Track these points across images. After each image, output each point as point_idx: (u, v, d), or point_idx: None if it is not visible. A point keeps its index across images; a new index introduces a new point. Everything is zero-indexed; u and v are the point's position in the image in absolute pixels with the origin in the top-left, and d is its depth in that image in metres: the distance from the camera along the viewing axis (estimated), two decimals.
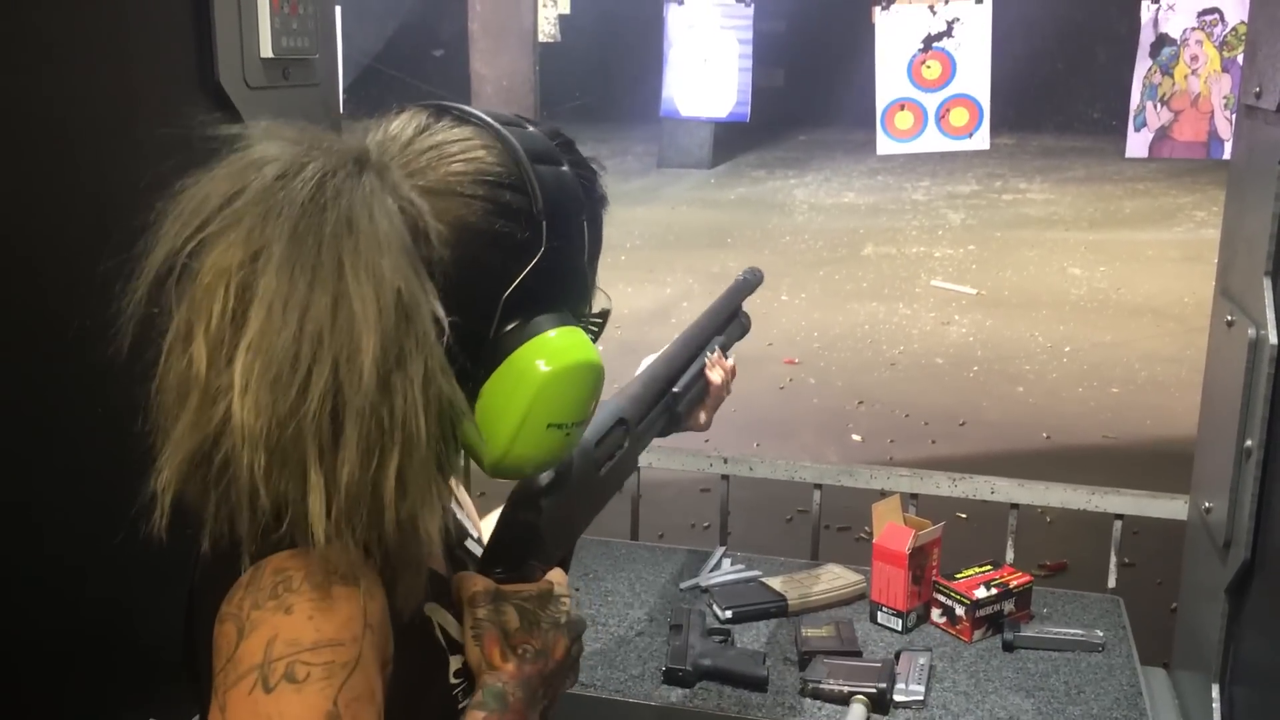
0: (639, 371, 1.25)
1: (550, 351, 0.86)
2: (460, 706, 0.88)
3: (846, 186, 11.36)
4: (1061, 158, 12.26)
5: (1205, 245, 7.74)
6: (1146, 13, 2.79)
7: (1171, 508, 2.11)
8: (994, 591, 1.90)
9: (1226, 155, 2.61)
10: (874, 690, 1.67)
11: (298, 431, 0.74)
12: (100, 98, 1.40)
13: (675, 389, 1.28)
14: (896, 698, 1.69)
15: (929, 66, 2.89)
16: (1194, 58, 2.77)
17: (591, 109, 13.75)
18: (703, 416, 1.34)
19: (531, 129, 0.90)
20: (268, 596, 0.76)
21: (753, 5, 3.12)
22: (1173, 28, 2.78)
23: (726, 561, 2.17)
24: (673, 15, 3.17)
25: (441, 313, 0.80)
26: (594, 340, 0.92)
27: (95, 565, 1.32)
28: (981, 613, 1.88)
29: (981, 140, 2.92)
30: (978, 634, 1.88)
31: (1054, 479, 2.24)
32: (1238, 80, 2.53)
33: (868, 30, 2.95)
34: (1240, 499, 1.60)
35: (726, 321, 1.43)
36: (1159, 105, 2.80)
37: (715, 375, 1.34)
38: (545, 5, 5.31)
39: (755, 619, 1.94)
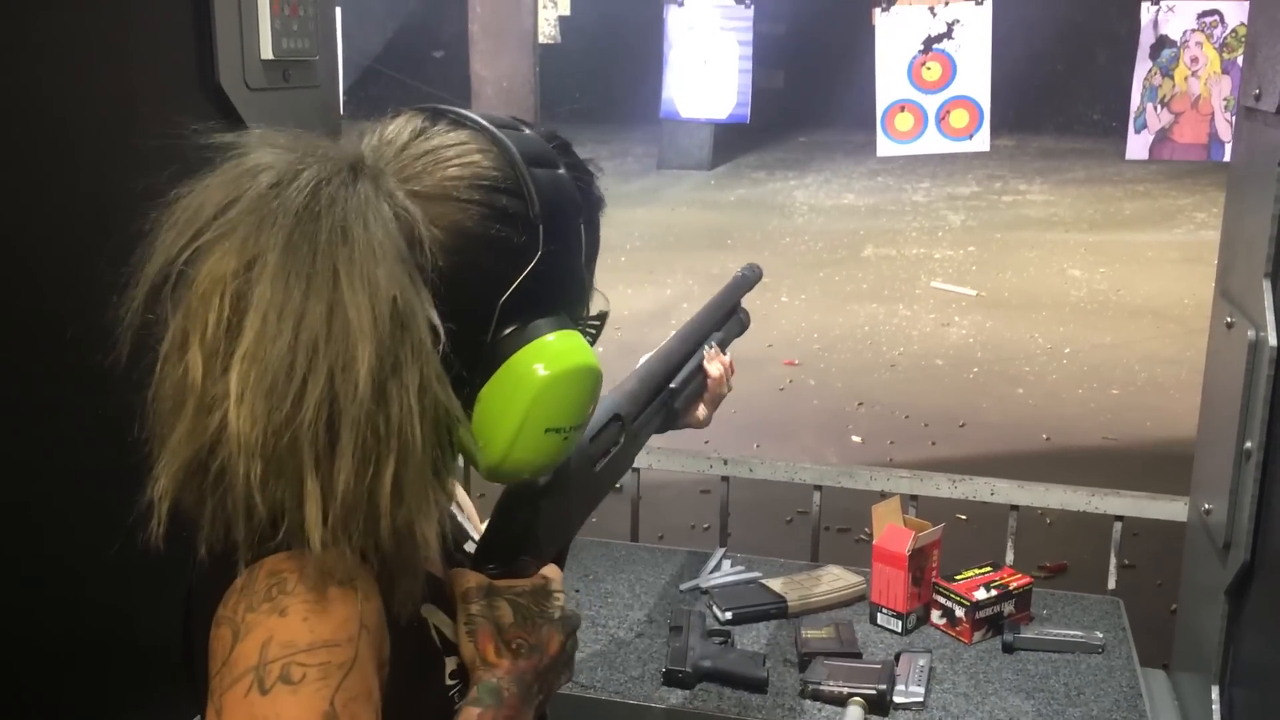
0: (636, 369, 1.25)
1: (548, 356, 0.86)
2: (457, 706, 0.88)
3: (846, 188, 11.36)
4: (1061, 159, 12.26)
5: (1205, 247, 7.74)
6: (1146, 14, 2.79)
7: (1171, 509, 2.11)
8: (994, 593, 1.90)
9: (1226, 157, 2.61)
10: (874, 692, 1.67)
11: (293, 440, 0.74)
12: (100, 99, 1.40)
13: (672, 385, 1.27)
14: (896, 699, 1.69)
15: (929, 68, 2.89)
16: (1194, 59, 2.78)
17: (591, 110, 13.76)
18: (702, 412, 1.33)
19: (528, 132, 0.90)
20: (262, 599, 0.76)
21: (753, 7, 3.12)
22: (1172, 29, 2.78)
23: (726, 563, 2.17)
24: (673, 17, 3.17)
25: (437, 320, 0.80)
26: (591, 343, 0.92)
27: (95, 567, 1.31)
28: (981, 614, 1.88)
29: (982, 142, 2.92)
30: (977, 635, 1.88)
31: (1054, 480, 2.24)
32: (1237, 82, 2.53)
33: (867, 32, 2.95)
34: (1240, 500, 1.60)
35: (725, 318, 1.42)
36: (1159, 107, 2.80)
37: (714, 370, 1.33)
38: (545, 7, 5.31)
39: (755, 620, 1.94)
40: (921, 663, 1.77)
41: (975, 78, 2.88)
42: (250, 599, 0.76)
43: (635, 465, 2.30)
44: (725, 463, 2.33)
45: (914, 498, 2.24)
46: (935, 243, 9.12)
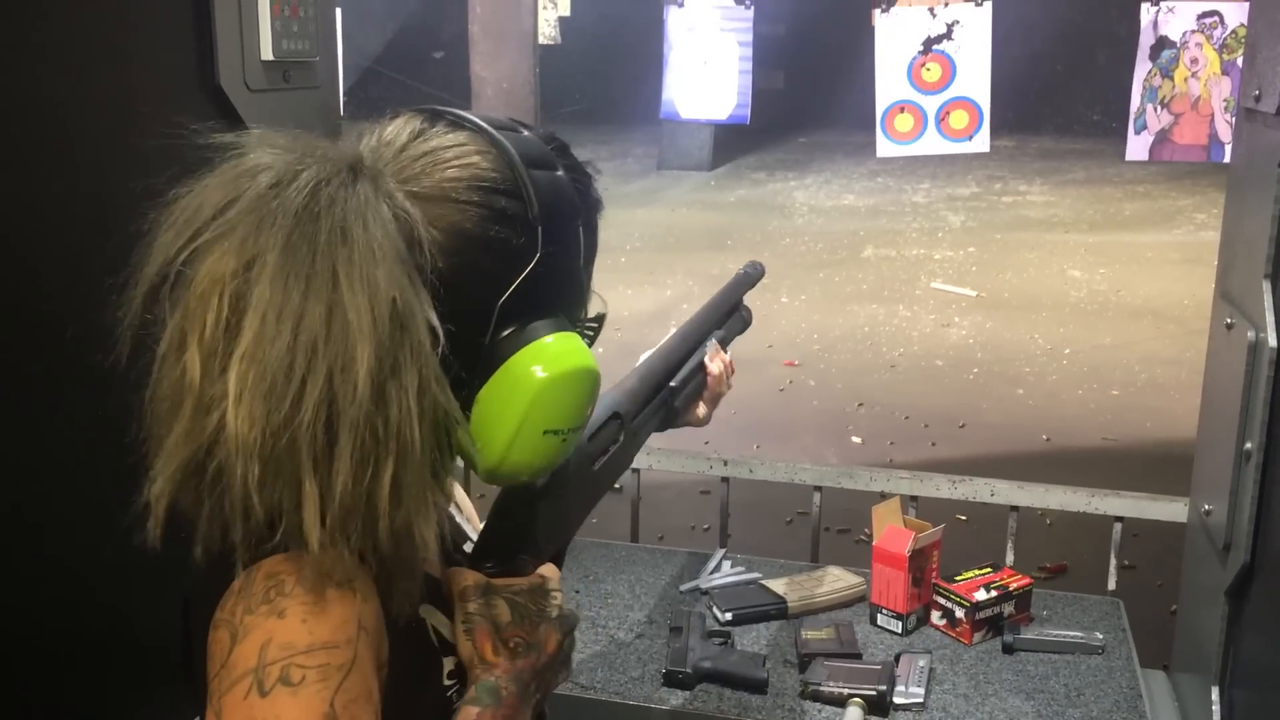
0: (636, 366, 1.24)
1: (546, 357, 0.86)
2: (454, 706, 0.88)
3: (846, 189, 11.36)
4: (1061, 160, 12.27)
5: (1205, 248, 7.75)
6: (1146, 15, 2.78)
7: (1171, 510, 2.11)
8: (994, 594, 1.90)
9: (1226, 158, 2.61)
10: (874, 693, 1.67)
11: (292, 442, 0.73)
12: (101, 100, 1.40)
13: (673, 383, 1.26)
14: (896, 700, 1.69)
15: (929, 69, 2.89)
16: (1194, 60, 2.77)
17: (592, 111, 13.76)
18: (702, 410, 1.32)
19: (526, 133, 0.90)
20: (260, 601, 0.76)
21: (753, 8, 3.11)
22: (1172, 30, 2.78)
23: (726, 564, 2.17)
24: (673, 18, 3.16)
25: (436, 321, 0.80)
26: (589, 345, 0.92)
27: (94, 567, 1.32)
28: (981, 615, 1.88)
29: (981, 143, 2.92)
30: (977, 636, 1.88)
31: (1054, 481, 2.24)
32: (1237, 83, 2.53)
33: (867, 32, 2.95)
34: (1240, 501, 1.60)
35: (726, 315, 1.41)
36: (1159, 108, 2.80)
37: (714, 368, 1.32)
38: (545, 8, 5.31)
39: (755, 621, 1.94)
40: (921, 664, 1.77)
41: (975, 79, 2.88)
42: (248, 601, 0.76)
43: (635, 466, 2.30)
44: (725, 463, 2.33)
45: (914, 498, 2.24)
46: (935, 243, 9.12)
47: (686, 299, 7.28)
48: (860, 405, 5.51)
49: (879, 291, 7.71)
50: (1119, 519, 2.18)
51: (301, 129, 0.84)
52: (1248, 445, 1.58)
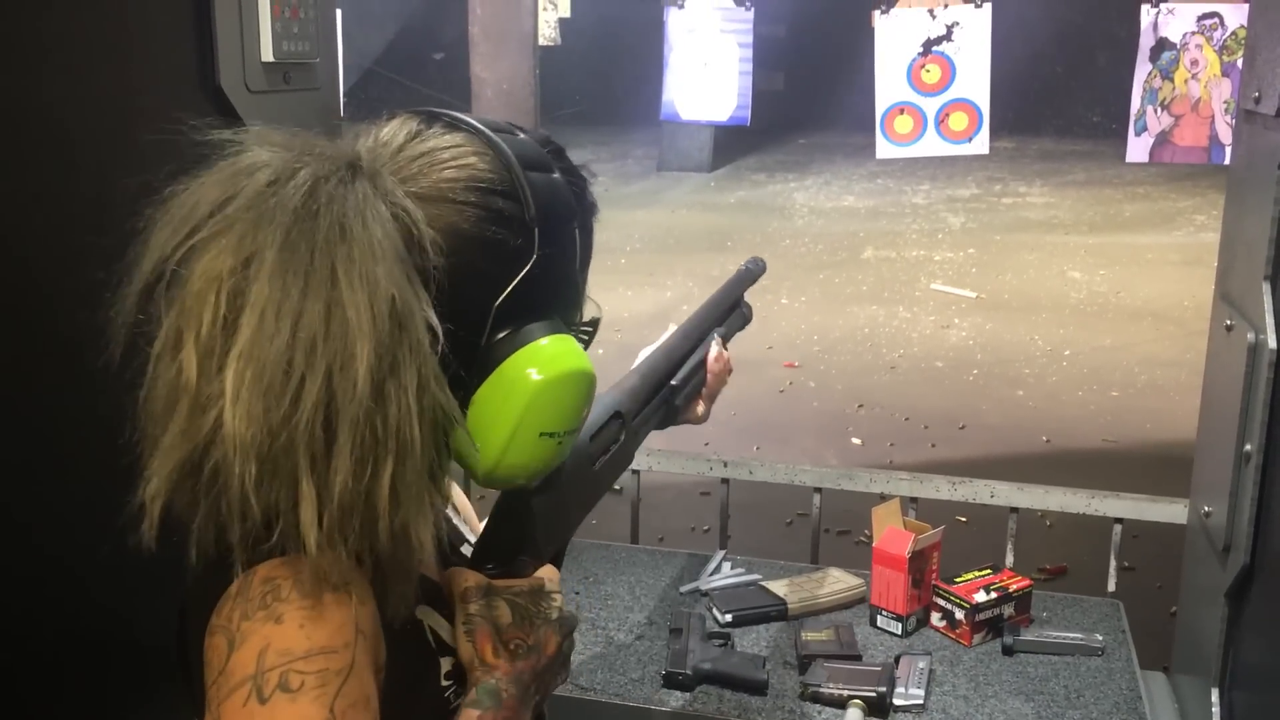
0: (636, 364, 1.24)
1: (542, 360, 0.86)
2: (452, 707, 0.88)
3: (846, 190, 11.36)
4: (1061, 161, 12.26)
5: (1205, 249, 7.75)
6: (1146, 17, 2.78)
7: (1171, 511, 2.11)
8: (994, 595, 1.90)
9: (1227, 160, 2.61)
10: (873, 694, 1.67)
11: (290, 441, 0.73)
12: (101, 101, 1.40)
13: (674, 382, 1.26)
14: (896, 702, 1.69)
15: (928, 70, 2.89)
16: (1194, 62, 2.77)
17: (592, 112, 13.76)
18: (700, 408, 1.32)
19: (522, 136, 0.90)
20: (257, 606, 0.75)
21: (753, 9, 3.11)
22: (1172, 32, 2.78)
23: (726, 565, 2.17)
24: (673, 19, 3.16)
25: (435, 320, 0.79)
26: (584, 348, 0.92)
27: (93, 568, 1.31)
28: (981, 616, 1.88)
29: (981, 144, 2.92)
30: (977, 638, 1.88)
31: (1054, 482, 2.24)
32: (1237, 85, 2.53)
33: (867, 34, 2.95)
34: (1240, 503, 1.60)
35: (727, 313, 1.41)
36: (1159, 110, 2.80)
37: (714, 366, 1.32)
38: (545, 9, 5.31)
39: (755, 623, 1.94)
40: (921, 665, 1.76)
41: (975, 80, 2.88)
42: (245, 606, 0.76)
43: (635, 468, 2.30)
44: (725, 465, 2.33)
45: (914, 500, 2.24)
46: (935, 245, 9.12)
47: (686, 300, 7.28)
48: (860, 406, 5.51)
49: (879, 293, 7.71)
50: (1119, 520, 2.18)
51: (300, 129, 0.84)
52: (1247, 447, 1.58)
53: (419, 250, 0.81)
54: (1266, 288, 1.56)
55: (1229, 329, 1.71)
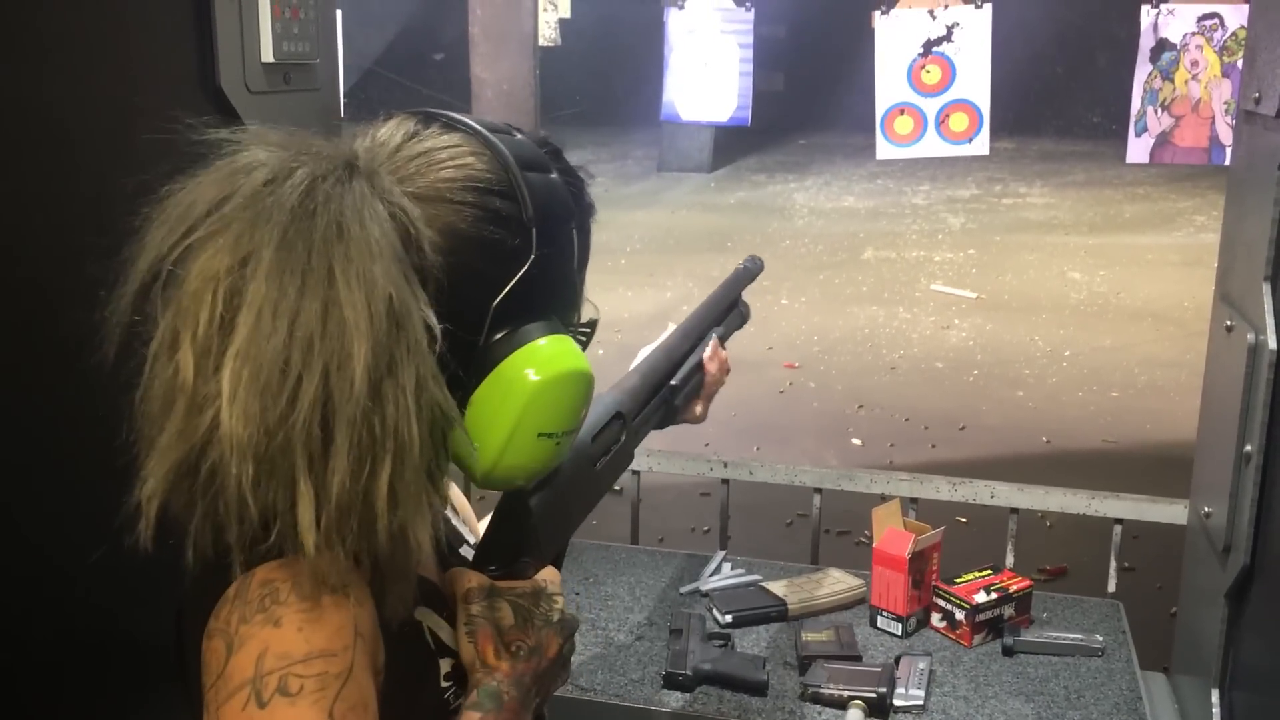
0: (636, 363, 1.24)
1: (540, 360, 0.86)
2: (452, 708, 0.88)
3: (846, 190, 11.36)
4: (1061, 162, 12.27)
5: (1205, 250, 7.75)
6: (1146, 17, 2.78)
7: (1171, 512, 2.11)
8: (994, 596, 1.90)
9: (1227, 160, 2.61)
10: (874, 695, 1.67)
11: (287, 440, 0.73)
12: (100, 101, 1.40)
13: (673, 382, 1.26)
14: (896, 702, 1.69)
15: (929, 71, 2.89)
16: (1194, 63, 2.77)
17: (592, 113, 13.76)
18: (699, 408, 1.32)
19: (520, 136, 0.90)
20: (255, 610, 0.75)
21: (753, 10, 3.12)
22: (1172, 32, 2.78)
23: (726, 566, 2.17)
24: (673, 19, 3.17)
25: (433, 320, 0.79)
26: (582, 349, 0.92)
27: (91, 568, 1.31)
28: (981, 617, 1.88)
29: (981, 145, 2.92)
30: (978, 639, 1.88)
31: (1054, 483, 2.24)
32: (1238, 85, 2.53)
33: (867, 35, 2.95)
34: (1240, 504, 1.60)
35: (726, 312, 1.41)
36: (1160, 110, 2.80)
37: (712, 365, 1.32)
38: (546, 9, 5.32)
39: (755, 623, 1.94)
40: (921, 666, 1.76)
41: (975, 81, 2.88)
42: (243, 610, 0.75)
43: (635, 468, 2.30)
44: (725, 465, 2.33)
45: (914, 500, 2.24)
46: (935, 245, 9.12)
47: (686, 301, 7.27)
48: (860, 407, 5.51)
49: (879, 293, 7.71)
50: (1119, 521, 2.18)
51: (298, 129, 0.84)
52: (1247, 447, 1.58)
53: (416, 250, 0.81)
54: (1266, 288, 1.56)
55: (1229, 330, 1.71)
